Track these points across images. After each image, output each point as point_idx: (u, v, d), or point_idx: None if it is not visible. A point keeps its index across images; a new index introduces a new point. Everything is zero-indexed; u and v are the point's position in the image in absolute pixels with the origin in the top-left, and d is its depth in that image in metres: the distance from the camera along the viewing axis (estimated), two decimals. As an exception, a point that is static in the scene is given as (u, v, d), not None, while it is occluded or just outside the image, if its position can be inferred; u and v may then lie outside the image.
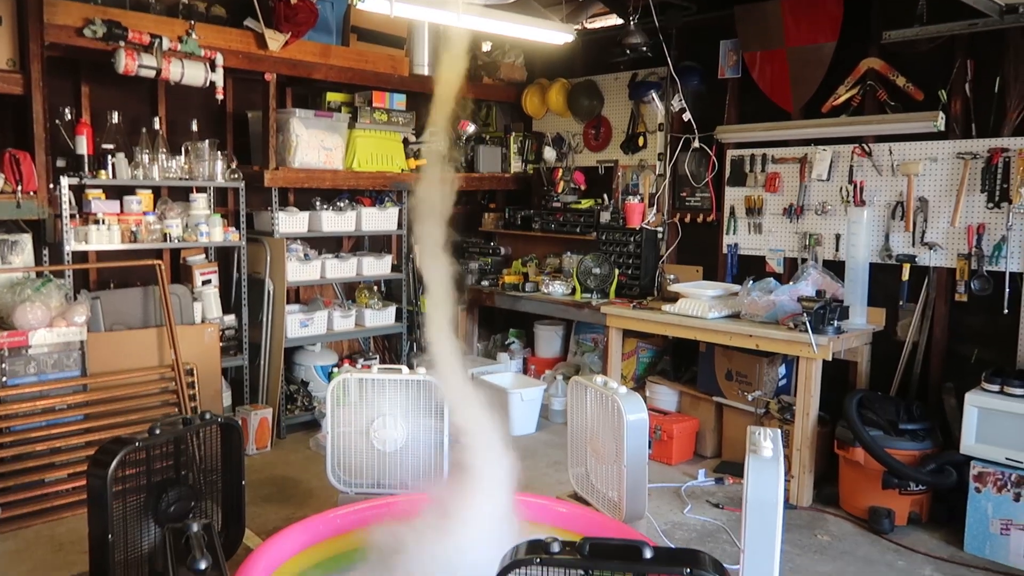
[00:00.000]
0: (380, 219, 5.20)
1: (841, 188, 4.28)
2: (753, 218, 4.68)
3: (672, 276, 4.99)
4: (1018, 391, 3.40)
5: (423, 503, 2.96)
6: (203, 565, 1.56)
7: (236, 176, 4.58)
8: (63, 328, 3.78)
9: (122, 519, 2.47)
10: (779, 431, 2.64)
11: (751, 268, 4.69)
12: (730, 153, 4.77)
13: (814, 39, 4.27)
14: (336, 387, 3.45)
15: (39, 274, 3.96)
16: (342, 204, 5.05)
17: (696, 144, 4.91)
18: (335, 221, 4.98)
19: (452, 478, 3.10)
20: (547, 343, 5.70)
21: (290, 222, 4.82)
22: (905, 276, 4.07)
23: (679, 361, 4.94)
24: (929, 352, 4.06)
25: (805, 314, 3.82)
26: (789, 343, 3.89)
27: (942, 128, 3.89)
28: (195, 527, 1.78)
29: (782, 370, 4.42)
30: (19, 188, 3.71)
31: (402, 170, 5.22)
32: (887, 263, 4.13)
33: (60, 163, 4.08)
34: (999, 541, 3.37)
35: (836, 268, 4.27)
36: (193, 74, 4.13)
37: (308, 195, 5.11)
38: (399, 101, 5.11)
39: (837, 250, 4.34)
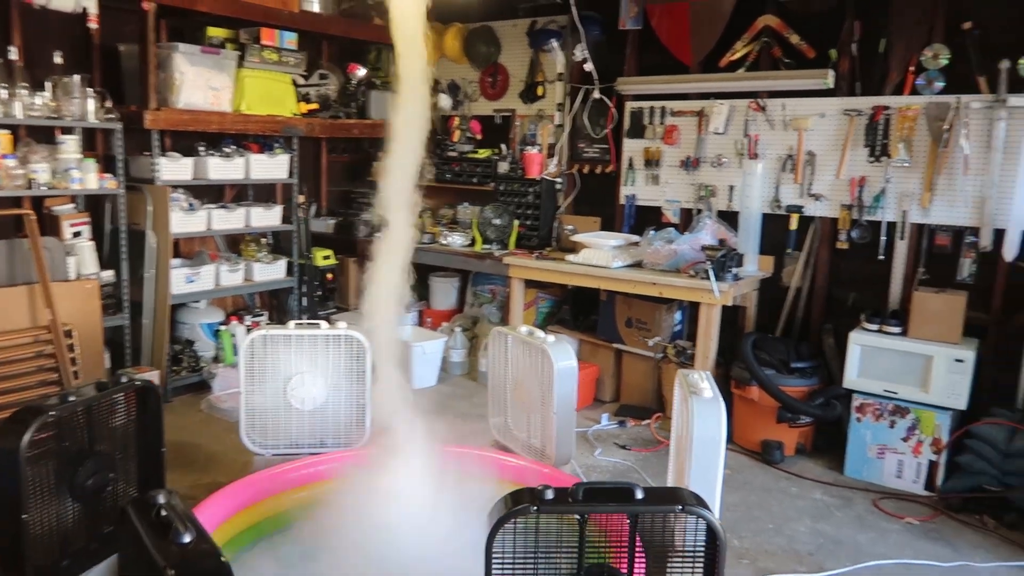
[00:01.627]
0: (270, 167, 4.90)
1: (736, 141, 4.49)
2: (651, 170, 4.81)
3: (571, 227, 5.06)
4: (895, 330, 3.75)
5: (361, 459, 2.89)
6: (187, 538, 1.44)
7: (112, 116, 4.14)
8: (-84, 287, 3.32)
9: (36, 495, 2.24)
10: (707, 372, 2.77)
11: (648, 219, 4.84)
12: (629, 105, 4.86)
13: (714, -5, 4.41)
14: (249, 345, 3.26)
15: None
16: (229, 150, 4.71)
17: (596, 95, 4.96)
18: (223, 168, 4.64)
19: (381, 434, 3.03)
20: (443, 295, 5.65)
21: (173, 168, 4.44)
22: (793, 226, 4.35)
23: (578, 310, 5.06)
24: (812, 296, 4.39)
25: (708, 262, 4.01)
26: (692, 290, 4.08)
27: (831, 85, 4.14)
28: (161, 497, 1.63)
29: (678, 316, 4.64)
30: None
31: (293, 114, 4.93)
32: (777, 213, 4.39)
33: None
34: (875, 464, 3.75)
35: (729, 218, 4.49)
36: (61, -2, 3.68)
37: (187, 139, 4.72)
38: (289, 40, 4.79)
39: (730, 201, 4.56)
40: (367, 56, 5.76)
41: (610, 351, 4.76)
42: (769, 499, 3.55)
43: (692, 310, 4.59)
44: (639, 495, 1.76)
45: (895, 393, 3.68)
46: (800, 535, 3.22)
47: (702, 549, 1.79)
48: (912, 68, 3.95)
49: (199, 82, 4.32)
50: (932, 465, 3.60)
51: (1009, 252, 3.71)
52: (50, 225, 4.22)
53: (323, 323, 3.36)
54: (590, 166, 5.10)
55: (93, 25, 3.83)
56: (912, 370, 3.65)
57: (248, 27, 4.68)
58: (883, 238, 4.07)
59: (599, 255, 4.44)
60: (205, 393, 4.58)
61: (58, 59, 4.06)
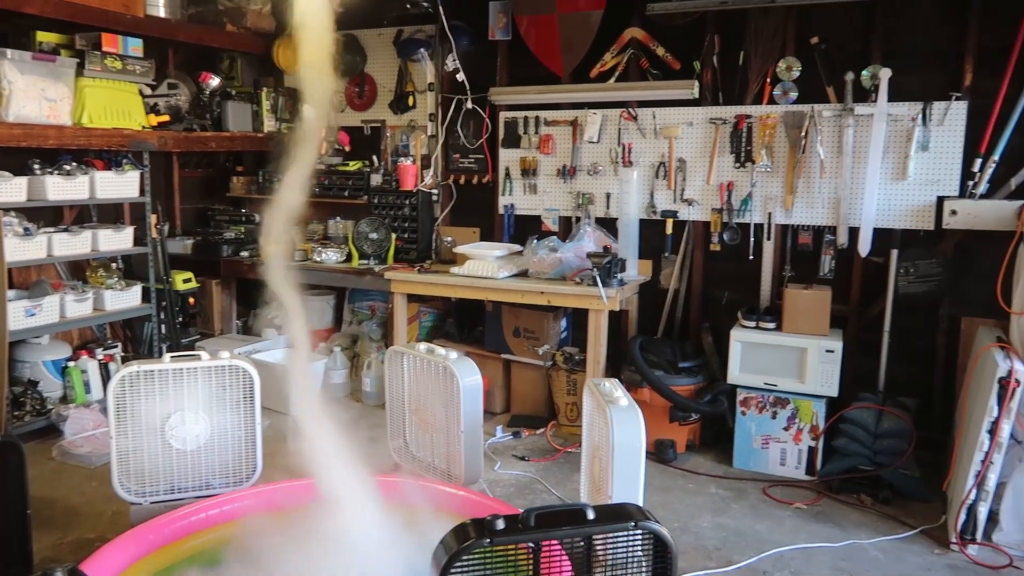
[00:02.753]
0: (119, 185, 4.46)
1: (611, 150, 4.59)
2: (528, 179, 4.83)
3: (449, 238, 4.98)
4: (769, 325, 3.97)
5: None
6: None
7: (-74, 131, 3.62)
8: None
9: None
10: (617, 380, 2.79)
11: (527, 228, 4.85)
12: (503, 115, 4.85)
13: (583, 6, 4.47)
14: (119, 383, 2.93)
15: None
16: (69, 167, 4.24)
17: (469, 105, 4.91)
18: (63, 188, 4.17)
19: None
20: (318, 314, 5.38)
21: (4, 190, 3.93)
22: (669, 230, 4.50)
23: (463, 322, 4.98)
24: (689, 297, 4.56)
25: (594, 269, 4.06)
26: (580, 297, 4.11)
27: (696, 95, 4.33)
28: (59, 575, 1.39)
29: (563, 323, 4.67)
30: None
31: (142, 127, 4.52)
32: (652, 218, 4.53)
33: None
34: (760, 454, 3.93)
35: (607, 225, 4.58)
36: None
37: (18, 156, 4.21)
38: (134, 46, 4.40)
39: (608, 208, 4.65)
40: (220, 64, 5.40)
41: (499, 362, 4.72)
42: (670, 498, 3.64)
43: (576, 316, 4.64)
44: (591, 515, 1.71)
45: (775, 385, 3.88)
46: (704, 531, 3.31)
47: (651, 563, 1.77)
48: (769, 79, 4.20)
49: (32, 92, 3.87)
50: (811, 451, 3.83)
51: (863, 248, 4.02)
52: None
53: (203, 354, 3.08)
54: (466, 176, 5.04)
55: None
56: (788, 362, 3.87)
57: (86, 32, 4.25)
58: (752, 239, 4.30)
59: (484, 266, 4.38)
60: (55, 438, 4.10)
61: None
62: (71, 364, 4.46)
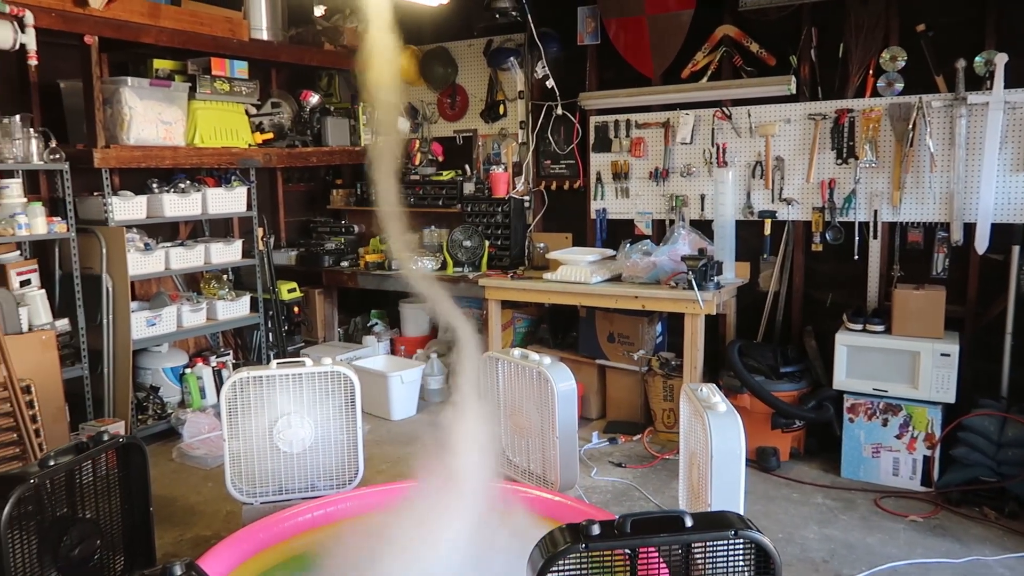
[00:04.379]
0: (228, 200, 4.71)
1: (704, 150, 4.50)
2: (620, 183, 4.79)
3: (542, 244, 5.00)
4: (878, 328, 3.78)
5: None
6: (179, 570, 1.30)
7: (57, 157, 3.92)
8: None
9: (18, 571, 2.04)
10: (714, 385, 2.72)
11: (620, 232, 4.81)
12: (594, 120, 4.84)
13: (673, 6, 4.41)
14: (231, 388, 3.08)
15: None
16: (184, 185, 4.51)
17: (559, 111, 4.92)
18: (179, 205, 4.44)
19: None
20: (415, 322, 5.51)
21: (126, 208, 4.22)
22: (767, 231, 4.37)
23: (557, 328, 4.99)
24: (790, 299, 4.40)
25: (689, 272, 3.98)
26: (675, 301, 4.04)
27: (794, 91, 4.19)
28: (178, 568, 1.48)
29: (659, 328, 4.60)
30: None
31: (249, 145, 4.76)
32: (749, 219, 4.40)
33: None
34: (871, 463, 3.75)
35: (702, 227, 4.48)
36: (1, 35, 3.46)
37: (137, 176, 4.51)
38: (240, 69, 4.62)
39: (703, 210, 4.56)
40: (319, 82, 5.62)
41: (593, 367, 4.70)
42: (773, 507, 3.52)
43: (672, 321, 4.56)
44: (688, 523, 1.67)
45: (885, 391, 3.70)
46: (810, 542, 3.18)
47: (754, 574, 1.71)
48: (871, 71, 4.01)
49: (150, 116, 4.13)
50: (927, 460, 3.62)
51: (980, 245, 3.78)
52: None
53: (308, 360, 3.20)
54: (558, 182, 5.05)
55: (33, 62, 3.62)
56: (899, 367, 3.68)
57: (196, 57, 4.50)
58: (856, 238, 4.11)
59: (577, 271, 4.37)
60: (175, 441, 4.35)
61: (-8, 99, 3.83)
62: (188, 371, 4.72)
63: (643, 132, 4.67)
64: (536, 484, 3.26)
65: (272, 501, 3.15)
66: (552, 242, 5.00)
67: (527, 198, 5.10)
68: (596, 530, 1.65)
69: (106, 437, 2.35)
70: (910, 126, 3.89)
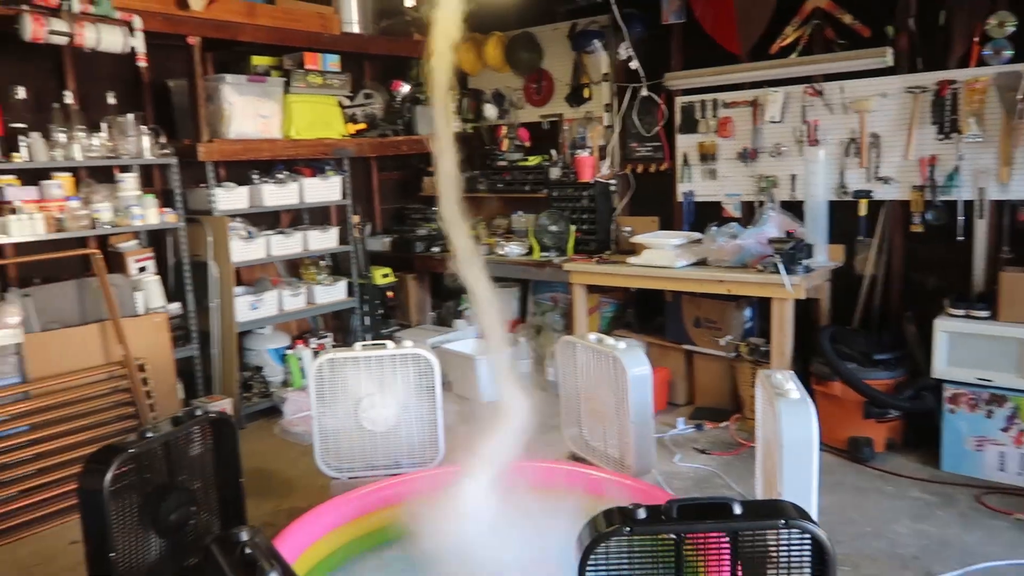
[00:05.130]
0: (323, 189, 4.93)
1: (794, 129, 4.33)
2: (707, 164, 4.69)
3: (628, 228, 4.96)
4: (982, 314, 3.55)
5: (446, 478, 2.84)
6: None
7: (167, 152, 4.21)
8: (-5, 332, 3.41)
9: (121, 533, 2.24)
10: (791, 372, 2.65)
11: (708, 214, 4.71)
12: (679, 100, 4.75)
13: (761, -20, 4.27)
14: (318, 370, 3.25)
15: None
16: (282, 176, 4.75)
17: (644, 93, 4.85)
18: (277, 194, 4.68)
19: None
20: (503, 306, 5.58)
21: (230, 198, 4.49)
22: (862, 211, 4.18)
23: (643, 312, 4.95)
24: (888, 283, 4.20)
25: (777, 255, 3.86)
26: (762, 285, 3.93)
27: (891, 63, 3.96)
28: (245, 534, 1.60)
29: (748, 313, 4.49)
30: (-74, 179, 3.28)
31: (342, 135, 4.95)
32: (843, 200, 4.22)
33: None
34: (974, 457, 3.55)
35: (793, 208, 4.32)
36: (111, 39, 3.74)
37: (242, 168, 4.78)
38: (332, 62, 4.81)
39: (793, 190, 4.40)
40: (410, 72, 5.75)
41: (680, 353, 4.64)
42: (864, 500, 3.39)
43: (762, 306, 4.43)
44: (737, 510, 1.66)
45: (990, 381, 3.48)
46: (902, 537, 3.05)
47: (808, 566, 1.68)
48: (977, 38, 3.75)
49: (248, 111, 4.37)
50: (1036, 455, 3.39)
51: (1102, 223, 3.49)
52: (116, 262, 4.30)
53: (389, 343, 3.33)
54: (643, 165, 4.99)
55: (142, 64, 3.90)
56: (1006, 355, 3.45)
57: (291, 53, 4.72)
58: (960, 218, 3.87)
59: (662, 255, 4.33)
60: (277, 418, 4.60)
61: (111, 99, 4.14)
62: (289, 352, 4.98)
63: (730, 111, 4.55)
64: (615, 468, 3.27)
65: (359, 476, 3.31)
66: (639, 226, 4.95)
67: (613, 182, 5.06)
68: (642, 514, 1.67)
69: (198, 413, 2.53)
70: (1020, 96, 3.61)
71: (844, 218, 4.23)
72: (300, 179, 4.81)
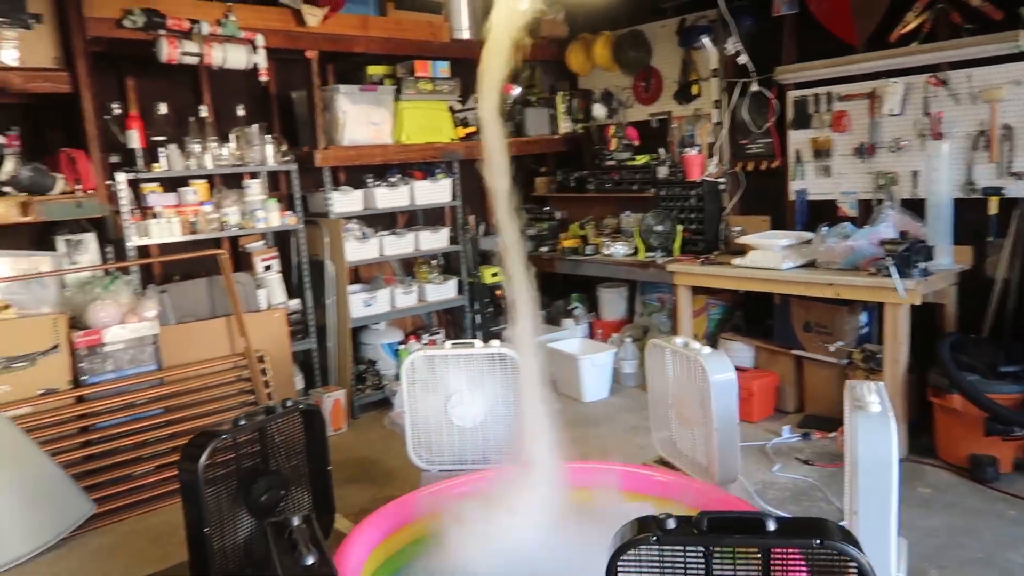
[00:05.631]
0: (433, 192, 5.12)
1: (915, 122, 4.05)
2: (821, 161, 4.46)
3: (738, 228, 4.81)
4: None
5: (510, 477, 2.90)
6: (310, 560, 1.52)
7: (288, 159, 4.53)
8: (135, 323, 3.81)
9: (216, 511, 2.47)
10: (882, 384, 2.51)
11: (822, 214, 4.49)
12: (792, 94, 4.55)
13: (879, -36, 4.01)
14: (409, 366, 3.41)
15: (106, 272, 3.98)
16: (394, 179, 4.98)
17: (754, 88, 4.69)
18: (389, 197, 4.91)
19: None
20: (611, 306, 5.58)
21: (344, 201, 4.76)
22: (992, 210, 3.84)
23: (752, 315, 4.79)
24: (1023, 288, 3.84)
25: (888, 257, 3.63)
26: (872, 289, 3.72)
27: (1026, 48, 3.63)
28: (296, 520, 1.74)
29: (863, 318, 4.25)
30: (77, 187, 3.72)
31: (451, 139, 5.12)
32: (972, 197, 3.90)
33: (114, 159, 4.08)
34: (1115, 482, 3.19)
35: (915, 207, 4.04)
36: (235, 57, 4.07)
37: (358, 172, 5.05)
38: (442, 69, 4.98)
39: (915, 188, 4.11)
40: (522, 74, 5.85)
41: (789, 358, 4.46)
42: (978, 523, 3.14)
43: (879, 311, 4.18)
44: (771, 526, 1.61)
45: None
46: (1017, 566, 2.81)
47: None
48: None
49: (360, 119, 4.61)
50: None
51: None
52: (245, 261, 4.68)
53: (477, 342, 3.43)
54: (754, 163, 4.82)
55: (264, 78, 4.21)
56: None
57: (403, 61, 4.93)
58: (1109, 216, 3.49)
59: (768, 256, 4.18)
60: (388, 410, 4.84)
61: (240, 111, 4.50)
62: (402, 347, 5.22)
63: (846, 105, 4.31)
64: (701, 476, 3.21)
65: (449, 470, 3.44)
66: (749, 225, 4.79)
67: (722, 180, 4.92)
68: (671, 524, 1.66)
69: (289, 403, 2.73)
70: None
71: (973, 217, 3.91)
72: (411, 182, 5.02)
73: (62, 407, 3.60)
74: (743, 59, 4.63)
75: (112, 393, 3.73)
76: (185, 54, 3.91)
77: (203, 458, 2.38)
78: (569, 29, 5.58)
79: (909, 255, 3.62)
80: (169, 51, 3.85)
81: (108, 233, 4.01)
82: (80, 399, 3.66)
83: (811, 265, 4.08)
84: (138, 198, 4.15)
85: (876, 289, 3.69)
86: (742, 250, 4.45)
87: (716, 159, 4.94)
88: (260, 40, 4.16)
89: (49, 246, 3.94)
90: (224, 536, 2.50)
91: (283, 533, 1.68)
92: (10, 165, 3.51)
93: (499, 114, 2.81)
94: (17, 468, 3.34)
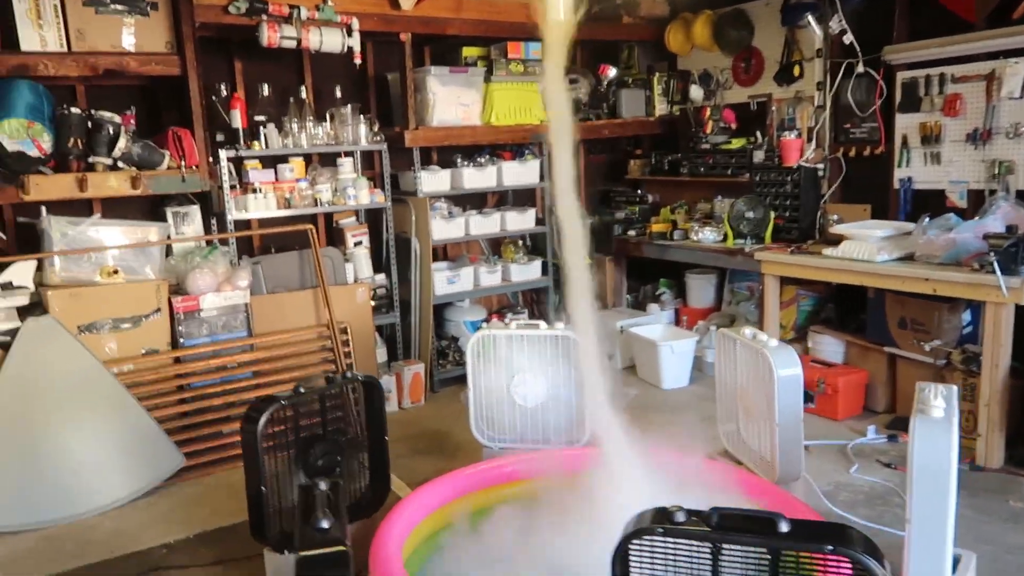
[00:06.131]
0: (521, 173, 5.14)
1: (1038, 106, 3.71)
2: (929, 147, 4.16)
3: (836, 216, 4.57)
4: None
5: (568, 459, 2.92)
6: (325, 524, 1.60)
7: (379, 139, 4.67)
8: (229, 292, 4.06)
9: (274, 472, 2.62)
10: (954, 387, 2.34)
11: (928, 204, 4.19)
12: (900, 76, 4.25)
13: (1003, -68, 3.68)
14: (475, 344, 3.47)
15: (209, 242, 4.26)
16: (482, 160, 5.04)
17: (860, 69, 4.41)
18: (476, 177, 4.97)
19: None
20: (699, 293, 5.44)
21: (432, 181, 4.86)
22: (1124, 204, 3.47)
23: (845, 309, 4.56)
24: None
25: (992, 253, 3.36)
26: (972, 286, 3.45)
27: None
28: (323, 485, 1.83)
29: (966, 317, 3.95)
30: (182, 163, 3.98)
31: (541, 121, 5.11)
32: (1100, 190, 3.54)
33: (220, 137, 4.34)
34: None
35: (1033, 199, 3.71)
36: (331, 41, 4.23)
37: (449, 152, 5.14)
38: (535, 50, 4.97)
39: (1034, 178, 3.78)
40: (620, 55, 5.75)
41: (882, 355, 4.21)
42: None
43: (984, 310, 3.87)
44: (783, 527, 1.55)
45: None
46: (1102, 595, 2.57)
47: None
48: None
49: (450, 100, 4.68)
50: None
51: None
52: (338, 236, 4.88)
53: (542, 323, 3.45)
54: (856, 148, 4.55)
55: (358, 61, 4.34)
56: None
57: (498, 43, 4.95)
58: None
59: (861, 247, 3.95)
60: (466, 386, 4.93)
61: (338, 93, 4.67)
62: (484, 325, 5.29)
63: (960, 87, 3.99)
64: (764, 472, 3.11)
65: (509, 447, 3.49)
66: (848, 214, 4.54)
67: (821, 166, 4.68)
68: (680, 516, 1.63)
69: (348, 375, 2.85)
70: None
71: (1098, 212, 3.54)
72: (499, 163, 5.06)
73: (161, 366, 3.89)
74: (849, 38, 4.36)
75: (206, 356, 4.00)
76: (284, 38, 4.09)
77: (262, 421, 2.53)
78: (669, 8, 5.43)
79: (1016, 251, 3.34)
80: (269, 35, 4.04)
81: (212, 206, 4.29)
82: (177, 360, 3.95)
83: (909, 258, 3.83)
84: (240, 174, 4.40)
85: (977, 287, 3.43)
86: (837, 239, 4.23)
87: (813, 144, 4.69)
88: (355, 24, 4.29)
89: (160, 217, 4.26)
90: (281, 496, 2.65)
91: (309, 495, 1.77)
92: (123, 142, 3.80)
93: (568, 99, 2.76)
94: (119, 420, 3.65)
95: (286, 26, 4.10)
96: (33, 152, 3.64)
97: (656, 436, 3.63)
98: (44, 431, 3.49)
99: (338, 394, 2.83)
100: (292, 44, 4.14)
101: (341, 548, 1.52)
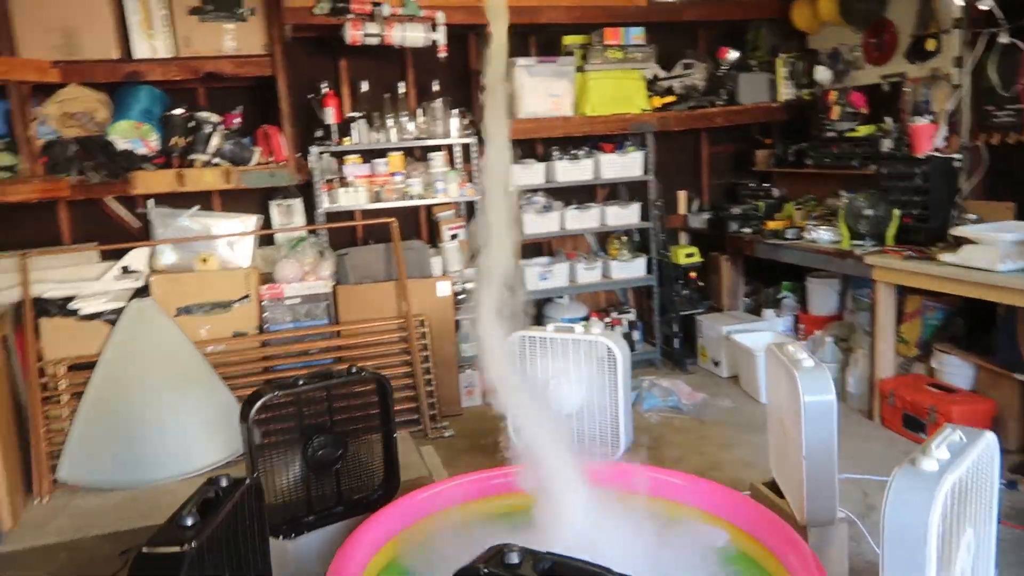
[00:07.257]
0: (620, 165, 4.91)
1: None
2: (1088, 133, 3.41)
3: (973, 216, 3.90)
4: None
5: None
6: (188, 522, 1.63)
7: (469, 132, 4.68)
8: (312, 282, 4.29)
9: (268, 460, 2.73)
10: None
11: (1086, 202, 3.45)
12: (1055, 46, 3.52)
13: None
14: (513, 345, 3.38)
15: (312, 232, 4.53)
16: (579, 152, 4.87)
17: (1004, 39, 3.70)
18: (570, 170, 4.83)
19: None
20: (821, 299, 4.89)
21: (525, 174, 4.79)
22: None
23: (975, 325, 3.88)
24: None
25: None
26: (1108, 307, 2.79)
27: None
28: (223, 482, 1.87)
29: (1121, 342, 3.21)
30: (271, 159, 4.25)
31: (643, 110, 4.85)
32: None
33: (319, 133, 4.57)
34: None
35: None
36: (414, 36, 4.29)
37: (547, 145, 5.04)
38: (636, 35, 4.71)
39: None
40: (746, 36, 5.29)
41: (1014, 384, 3.55)
42: None
43: None
44: (608, 587, 1.36)
45: None
46: None
47: None
48: None
49: (539, 91, 4.58)
50: None
51: None
52: (435, 229, 4.97)
53: (578, 327, 3.29)
54: (1001, 135, 3.84)
55: (442, 55, 4.37)
56: None
57: (597, 29, 4.76)
58: None
59: (981, 253, 3.35)
60: (553, 384, 4.83)
61: (435, 87, 4.73)
62: (583, 323, 5.14)
63: (1126, 58, 3.22)
64: (797, 507, 2.74)
65: (547, 453, 3.36)
66: (987, 213, 3.86)
67: (957, 156, 4.00)
68: (513, 559, 1.48)
69: (354, 370, 2.89)
70: None
71: None
72: (596, 155, 4.87)
73: (248, 348, 4.20)
74: (987, 2, 3.68)
75: (290, 341, 4.26)
76: (367, 35, 4.22)
77: (252, 412, 2.65)
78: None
79: None
80: (352, 33, 4.19)
81: (314, 200, 4.55)
82: (264, 343, 4.24)
83: (1042, 268, 3.18)
84: (340, 168, 4.62)
85: (1114, 308, 2.77)
86: (963, 243, 3.62)
87: (944, 129, 4.02)
88: (441, 17, 4.32)
89: (266, 209, 4.60)
90: (277, 481, 2.76)
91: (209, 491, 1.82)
92: (216, 140, 4.13)
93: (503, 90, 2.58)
94: (206, 397, 4.00)
95: (369, 23, 4.22)
96: (141, 150, 4.07)
97: (708, 458, 3.35)
98: (140, 401, 3.90)
99: (342, 389, 2.89)
100: (375, 40, 4.25)
101: (176, 549, 1.55)
